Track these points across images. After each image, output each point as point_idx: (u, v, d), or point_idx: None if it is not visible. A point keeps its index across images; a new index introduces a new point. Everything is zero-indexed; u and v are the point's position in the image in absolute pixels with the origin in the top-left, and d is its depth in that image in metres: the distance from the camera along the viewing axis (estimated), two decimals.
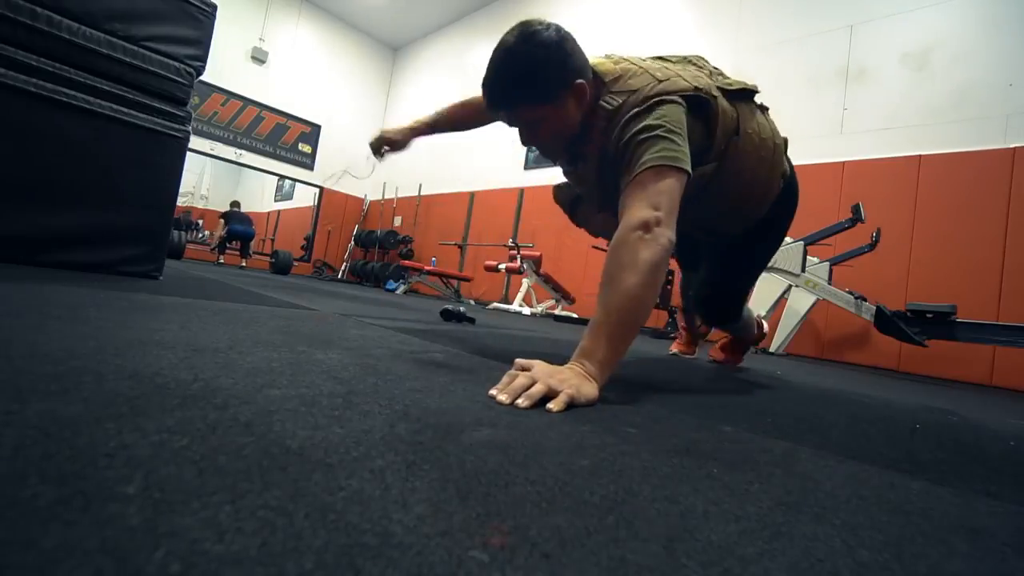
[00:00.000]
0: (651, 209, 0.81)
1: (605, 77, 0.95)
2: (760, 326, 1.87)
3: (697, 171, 0.93)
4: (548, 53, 0.87)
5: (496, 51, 0.89)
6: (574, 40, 0.92)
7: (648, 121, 0.87)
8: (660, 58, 1.06)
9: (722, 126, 0.98)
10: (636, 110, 0.90)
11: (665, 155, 0.85)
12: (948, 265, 3.14)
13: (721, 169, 1.02)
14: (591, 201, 1.15)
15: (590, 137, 0.96)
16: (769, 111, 1.13)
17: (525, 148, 5.89)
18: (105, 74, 1.67)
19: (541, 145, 1.00)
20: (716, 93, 0.98)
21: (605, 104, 0.93)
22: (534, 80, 0.88)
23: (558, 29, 0.90)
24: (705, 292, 1.40)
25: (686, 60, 1.07)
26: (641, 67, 0.96)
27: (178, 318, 0.98)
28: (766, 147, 1.08)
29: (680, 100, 0.91)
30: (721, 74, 1.06)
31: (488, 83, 0.91)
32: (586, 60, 0.93)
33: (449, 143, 7.01)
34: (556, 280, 4.93)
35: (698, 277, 1.45)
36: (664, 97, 0.91)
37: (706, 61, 1.09)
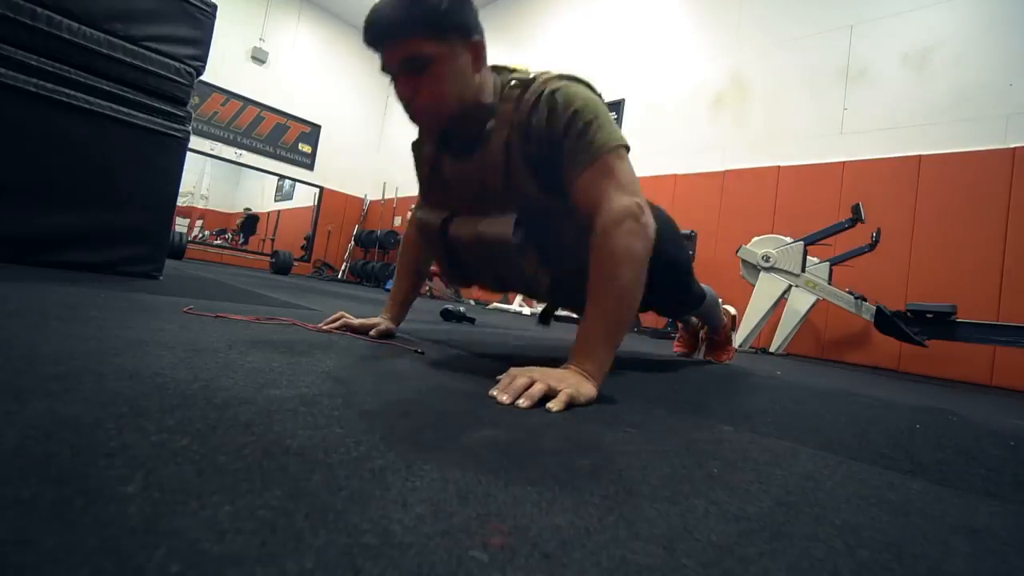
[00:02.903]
0: (631, 196, 0.80)
1: (508, 67, 0.92)
2: (726, 313, 1.87)
3: None
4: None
5: None
6: (475, 8, 0.85)
7: (578, 104, 0.82)
8: None
9: None
10: (553, 82, 0.85)
11: (615, 135, 0.83)
12: (948, 265, 3.14)
13: None
14: (474, 206, 0.93)
15: (494, 120, 0.87)
16: None
17: None
18: (105, 74, 1.67)
19: (426, 97, 0.83)
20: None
21: (516, 80, 0.87)
22: (432, 10, 0.77)
23: None
24: (651, 306, 1.35)
25: None
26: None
27: (178, 318, 0.98)
28: None
29: (588, 84, 0.89)
30: None
31: (376, 10, 0.80)
32: (482, 27, 0.86)
33: None
34: None
35: None
36: (574, 76, 0.88)
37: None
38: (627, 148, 0.85)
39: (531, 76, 0.88)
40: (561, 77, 0.87)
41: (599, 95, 0.90)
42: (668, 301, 1.38)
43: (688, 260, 1.35)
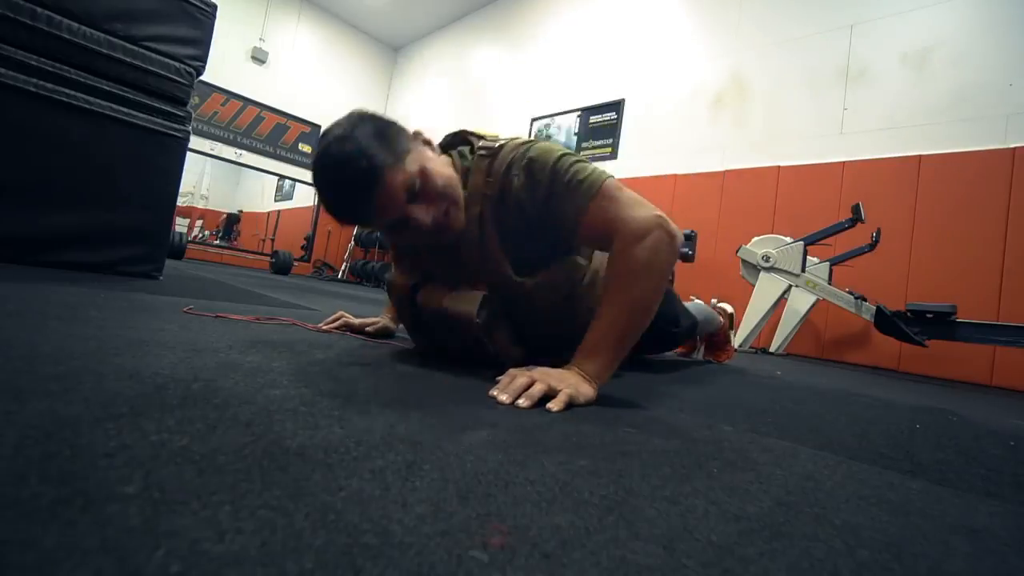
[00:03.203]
0: (649, 208, 0.79)
1: (475, 132, 0.91)
2: (722, 312, 1.89)
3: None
4: (366, 122, 0.76)
5: (321, 157, 0.75)
6: (373, 116, 0.80)
7: (553, 153, 0.82)
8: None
9: None
10: (526, 145, 0.84)
11: (600, 172, 0.82)
12: (948, 265, 3.14)
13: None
14: (447, 278, 0.91)
15: (469, 192, 0.84)
16: None
17: None
18: (105, 74, 1.67)
19: (441, 207, 0.79)
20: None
21: (484, 149, 0.86)
22: (383, 140, 0.74)
23: (354, 118, 0.78)
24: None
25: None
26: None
27: (178, 318, 0.98)
28: None
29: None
30: None
31: (340, 182, 0.74)
32: (392, 124, 0.81)
33: None
34: None
35: None
36: (542, 140, 0.87)
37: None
38: (614, 179, 0.83)
39: (496, 144, 0.86)
40: (528, 142, 0.85)
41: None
42: (654, 347, 1.36)
43: (672, 304, 1.28)
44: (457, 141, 0.95)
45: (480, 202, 0.83)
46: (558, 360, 0.77)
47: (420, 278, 0.94)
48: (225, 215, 8.92)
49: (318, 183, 0.76)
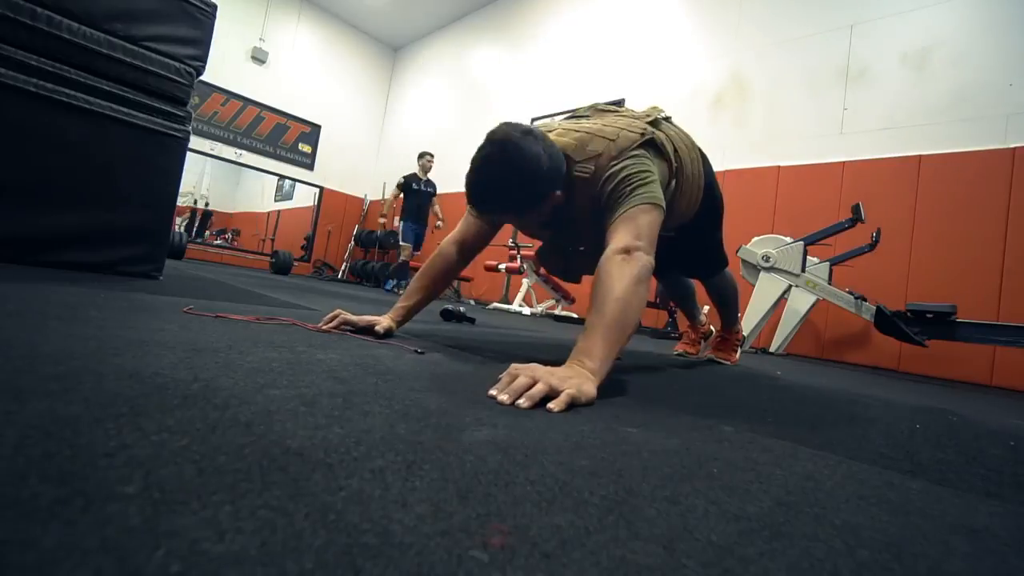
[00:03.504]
0: (633, 238, 0.91)
1: (567, 151, 1.02)
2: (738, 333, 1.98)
3: (667, 194, 1.06)
4: (532, 167, 0.91)
5: (483, 162, 0.93)
6: (545, 137, 0.96)
7: (624, 174, 0.97)
8: (575, 118, 1.17)
9: (668, 152, 1.09)
10: (610, 171, 0.98)
11: (646, 196, 0.96)
12: (948, 265, 3.14)
13: (678, 184, 1.14)
14: (585, 249, 1.22)
15: (572, 204, 1.04)
16: (672, 118, 1.23)
17: None
18: (105, 74, 1.67)
19: (525, 232, 1.20)
20: (651, 129, 1.07)
21: (581, 174, 1.01)
22: (521, 193, 0.94)
23: (534, 135, 0.94)
24: (682, 269, 1.65)
25: (600, 111, 1.17)
26: (589, 133, 1.04)
27: (178, 318, 0.98)
28: (692, 149, 1.22)
29: (640, 151, 1.01)
30: (633, 112, 1.17)
31: (479, 194, 0.97)
32: (557, 152, 0.98)
33: (449, 141, 7.02)
34: (556, 280, 4.93)
35: (671, 276, 1.75)
36: (628, 152, 1.00)
37: (610, 104, 1.23)
38: (657, 206, 0.96)
39: (590, 172, 1.00)
40: (622, 152, 1.00)
41: (644, 144, 1.03)
42: (698, 248, 1.51)
43: (721, 214, 1.46)
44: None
45: (588, 216, 1.04)
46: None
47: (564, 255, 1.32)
48: (190, 209, 8.73)
49: (476, 173, 0.94)
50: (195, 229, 8.64)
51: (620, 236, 0.92)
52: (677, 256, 1.39)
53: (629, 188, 0.96)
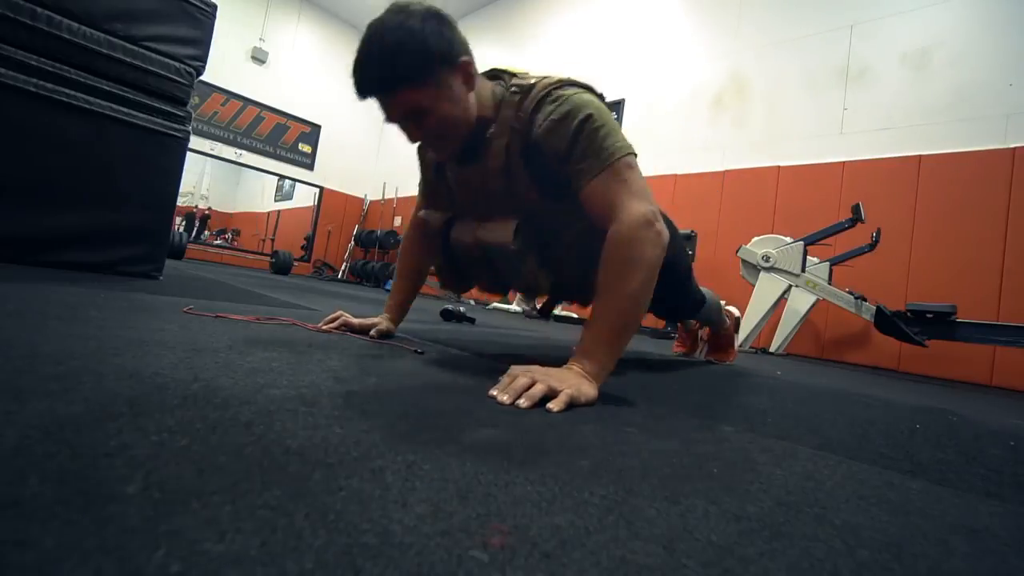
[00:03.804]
0: (647, 203, 0.80)
1: (508, 70, 0.92)
2: (730, 315, 1.92)
3: None
4: (425, 27, 0.77)
5: (368, 30, 0.80)
6: (454, 22, 0.83)
7: (584, 110, 0.82)
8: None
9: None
10: (555, 91, 0.85)
11: (624, 142, 0.83)
12: (948, 265, 3.14)
13: None
14: (477, 210, 0.96)
15: (495, 128, 0.87)
16: None
17: None
18: (105, 74, 1.67)
19: (433, 137, 0.85)
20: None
21: (516, 86, 0.87)
22: (413, 56, 0.76)
23: (433, 8, 0.81)
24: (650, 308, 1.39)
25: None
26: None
27: (178, 318, 0.98)
28: None
29: (589, 87, 0.90)
30: None
31: (360, 64, 0.79)
32: (465, 40, 0.84)
33: None
34: None
35: None
36: (575, 81, 0.88)
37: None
38: (635, 155, 0.85)
39: (531, 82, 0.88)
40: (562, 83, 0.87)
41: (601, 96, 0.91)
42: (665, 303, 1.39)
43: (688, 263, 1.36)
44: (491, 76, 0.96)
45: (507, 134, 0.87)
46: (581, 296, 0.79)
47: (452, 216, 1.00)
48: (187, 210, 8.86)
49: (361, 43, 0.80)
50: (194, 232, 8.66)
51: (630, 204, 0.79)
52: None
53: (598, 129, 0.81)
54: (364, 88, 0.81)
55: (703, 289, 1.53)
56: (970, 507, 0.48)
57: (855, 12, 3.78)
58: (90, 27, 1.61)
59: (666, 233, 0.81)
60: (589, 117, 0.83)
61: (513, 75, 0.92)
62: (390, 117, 0.84)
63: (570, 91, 0.86)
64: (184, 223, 8.57)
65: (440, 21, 0.80)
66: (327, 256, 8.30)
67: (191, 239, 7.57)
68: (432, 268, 1.17)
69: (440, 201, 1.05)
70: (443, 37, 0.79)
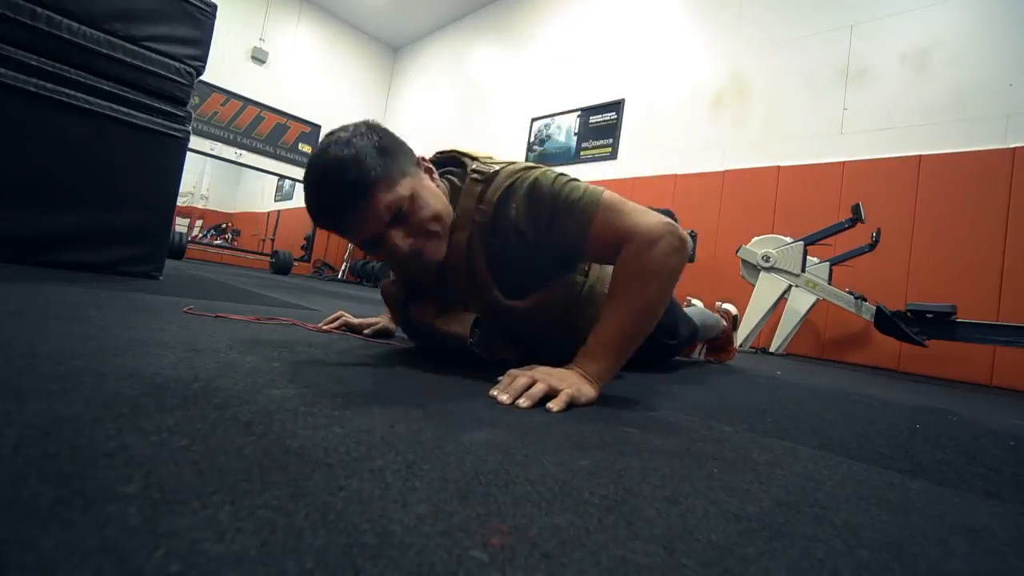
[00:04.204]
0: (656, 216, 0.78)
1: (467, 153, 0.89)
2: (726, 314, 1.90)
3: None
4: (370, 134, 0.76)
5: (317, 164, 0.74)
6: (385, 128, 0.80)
7: (549, 174, 0.82)
8: None
9: None
10: (523, 173, 0.82)
11: (596, 189, 0.81)
12: (948, 265, 3.14)
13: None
14: (435, 296, 0.93)
15: (455, 219, 0.83)
16: None
17: (525, 147, 5.90)
18: (105, 74, 1.67)
19: (424, 235, 0.78)
20: None
21: (477, 173, 0.84)
22: (374, 158, 0.73)
23: (362, 122, 0.79)
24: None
25: None
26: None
27: (178, 318, 0.98)
28: None
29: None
30: None
31: (323, 192, 0.74)
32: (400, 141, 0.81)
33: (450, 141, 7.01)
34: None
35: None
36: (537, 166, 0.86)
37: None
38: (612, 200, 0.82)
39: (494, 169, 0.84)
40: (526, 168, 0.84)
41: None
42: (651, 357, 1.29)
43: (671, 314, 1.27)
44: (447, 160, 0.93)
45: (469, 227, 0.83)
46: (560, 361, 0.77)
47: (410, 292, 0.94)
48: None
49: (307, 180, 0.75)
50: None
51: (640, 220, 0.77)
52: None
53: (574, 189, 0.80)
54: (336, 209, 0.74)
55: (691, 311, 1.51)
56: (970, 507, 0.48)
57: (855, 12, 3.78)
58: (90, 27, 1.61)
59: (689, 240, 0.78)
60: (557, 178, 0.81)
61: (474, 158, 0.88)
62: (369, 232, 0.75)
63: (533, 171, 0.83)
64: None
65: (377, 126, 0.78)
66: (327, 256, 8.30)
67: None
68: None
69: (400, 274, 1.01)
70: (391, 137, 0.78)
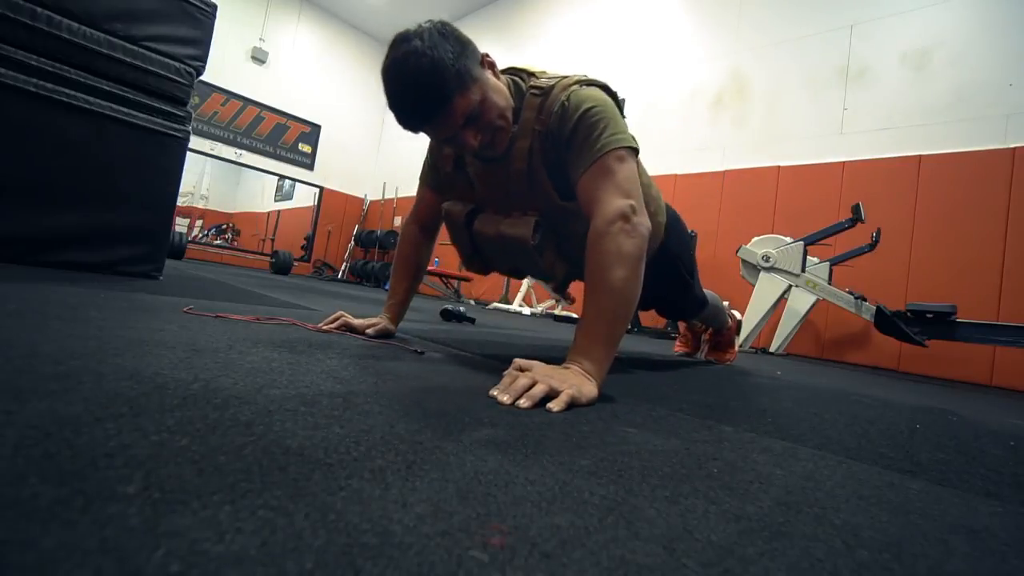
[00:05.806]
0: (624, 198, 0.81)
1: (525, 69, 0.94)
2: (732, 317, 1.92)
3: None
4: (442, 40, 0.80)
5: (392, 71, 0.80)
6: (453, 26, 0.85)
7: (588, 105, 0.86)
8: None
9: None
10: (573, 87, 0.88)
11: (619, 136, 0.85)
12: (948, 265, 3.14)
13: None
14: (497, 205, 1.00)
15: (517, 128, 0.90)
16: None
17: None
18: (105, 74, 1.67)
19: (491, 132, 0.86)
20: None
21: (536, 87, 0.90)
22: (449, 68, 0.78)
23: (432, 22, 0.84)
24: (651, 304, 1.43)
25: None
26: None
27: (178, 318, 0.98)
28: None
29: (604, 86, 0.93)
30: None
31: (404, 101, 0.81)
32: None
33: None
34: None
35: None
36: (592, 80, 0.91)
37: None
38: (633, 149, 0.87)
39: (552, 83, 0.90)
40: (578, 82, 0.90)
41: (614, 95, 0.93)
42: (667, 300, 1.39)
43: (691, 260, 1.36)
44: (507, 74, 0.98)
45: (530, 136, 0.90)
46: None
47: (473, 207, 1.03)
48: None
49: (388, 91, 0.81)
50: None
51: (609, 197, 0.81)
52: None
53: (598, 122, 0.84)
54: (419, 119, 0.82)
55: (707, 292, 1.54)
56: (970, 507, 0.48)
57: (855, 12, 3.78)
58: (90, 27, 1.61)
59: (645, 225, 0.82)
60: (588, 111, 0.85)
61: (531, 74, 0.94)
62: (445, 134, 0.85)
63: (579, 88, 0.89)
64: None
65: (445, 28, 0.82)
66: (327, 256, 8.30)
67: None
68: (429, 264, 1.19)
69: (457, 194, 1.07)
70: (459, 41, 0.82)
